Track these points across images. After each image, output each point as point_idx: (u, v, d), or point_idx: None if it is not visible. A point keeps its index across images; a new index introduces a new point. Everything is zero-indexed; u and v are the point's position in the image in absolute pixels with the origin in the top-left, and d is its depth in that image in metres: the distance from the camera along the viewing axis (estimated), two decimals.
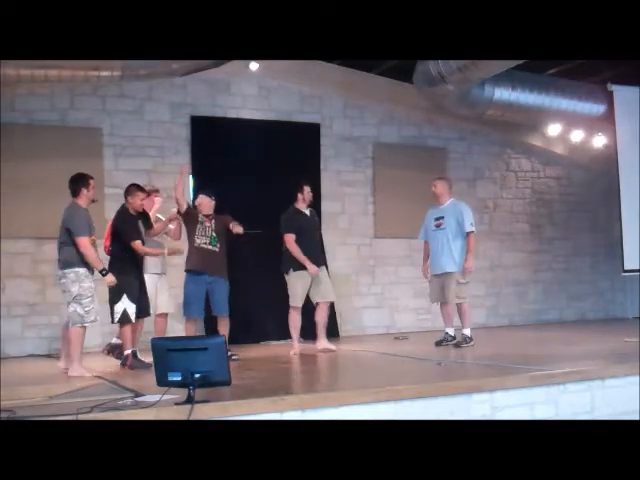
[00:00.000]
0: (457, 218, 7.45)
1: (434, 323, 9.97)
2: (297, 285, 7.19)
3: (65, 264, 5.89)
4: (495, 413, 4.77)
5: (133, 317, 6.24)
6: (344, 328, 9.55)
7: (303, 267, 7.16)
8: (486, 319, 10.52)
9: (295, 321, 7.28)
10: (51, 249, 8.29)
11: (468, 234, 7.43)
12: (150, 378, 4.28)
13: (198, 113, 9.05)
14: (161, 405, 3.96)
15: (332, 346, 7.41)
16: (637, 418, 5.04)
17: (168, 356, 4.05)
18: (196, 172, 8.80)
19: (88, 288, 5.88)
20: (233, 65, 8.48)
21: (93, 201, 6.17)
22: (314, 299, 7.31)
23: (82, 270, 5.88)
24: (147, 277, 6.69)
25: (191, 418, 3.81)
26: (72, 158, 8.31)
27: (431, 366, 5.89)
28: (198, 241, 6.78)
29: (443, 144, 10.61)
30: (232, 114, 9.24)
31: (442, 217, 7.54)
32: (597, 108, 9.79)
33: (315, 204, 9.56)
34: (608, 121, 9.81)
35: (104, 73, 7.75)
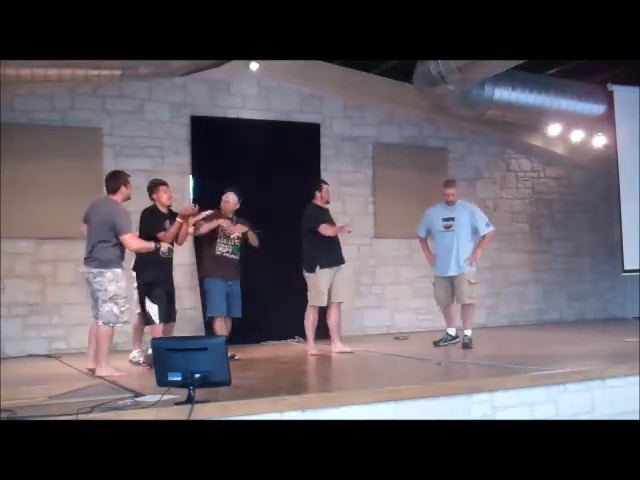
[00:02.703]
0: (470, 220, 7.39)
1: (434, 323, 9.96)
2: (322, 283, 7.03)
3: (104, 263, 5.73)
4: (495, 413, 4.77)
5: (157, 319, 6.19)
6: (344, 328, 9.52)
7: (330, 264, 7.06)
8: (486, 319, 10.52)
9: (314, 321, 7.16)
10: (51, 249, 8.34)
11: (486, 234, 7.43)
12: (150, 378, 4.28)
13: (198, 113, 9.05)
14: (161, 405, 3.96)
15: (348, 348, 7.25)
16: (637, 418, 5.05)
17: (168, 356, 4.06)
18: (196, 172, 8.81)
19: (124, 288, 5.81)
20: (233, 65, 8.48)
21: (127, 199, 6.07)
22: (330, 299, 7.18)
23: (119, 270, 5.79)
24: None
25: (191, 418, 3.82)
26: (72, 158, 8.32)
27: (431, 366, 5.90)
28: (221, 249, 6.74)
29: (443, 144, 10.60)
30: (232, 114, 9.23)
31: (452, 218, 7.43)
32: (597, 108, 9.79)
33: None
34: (608, 121, 9.81)
35: (104, 73, 7.75)
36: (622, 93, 9.61)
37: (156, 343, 4.24)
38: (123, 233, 5.75)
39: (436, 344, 7.50)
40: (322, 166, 9.67)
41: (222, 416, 4.00)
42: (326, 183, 7.43)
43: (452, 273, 7.36)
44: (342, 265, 7.26)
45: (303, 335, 8.76)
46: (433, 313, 9.93)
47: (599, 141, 10.55)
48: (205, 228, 6.66)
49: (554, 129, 10.25)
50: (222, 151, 8.86)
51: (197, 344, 4.17)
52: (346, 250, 9.58)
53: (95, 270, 5.74)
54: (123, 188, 5.94)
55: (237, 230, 6.74)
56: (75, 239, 8.36)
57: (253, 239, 6.87)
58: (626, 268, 9.63)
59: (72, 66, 7.54)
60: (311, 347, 7.14)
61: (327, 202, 7.32)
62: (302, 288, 7.97)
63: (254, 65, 8.97)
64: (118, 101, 8.69)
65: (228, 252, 6.72)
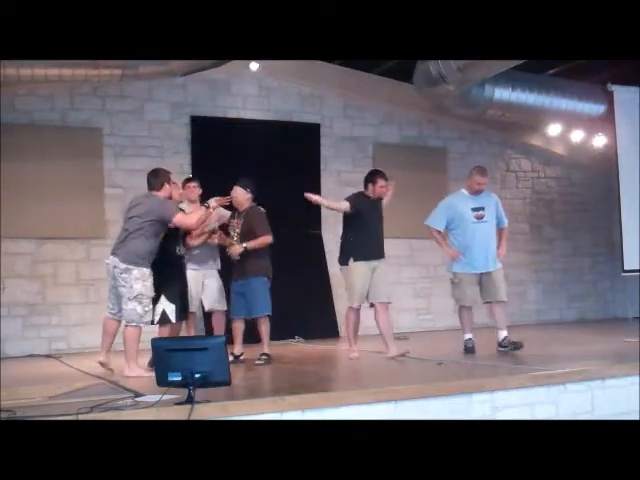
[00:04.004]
0: (496, 210, 6.87)
1: (434, 323, 9.99)
2: (357, 278, 6.35)
3: (132, 260, 5.62)
4: (495, 413, 4.77)
5: (173, 317, 6.11)
6: (344, 328, 9.53)
7: (365, 257, 6.37)
8: (486, 319, 10.50)
9: (354, 323, 6.57)
10: (51, 249, 8.34)
11: (505, 227, 7.01)
12: (150, 378, 4.27)
13: (198, 113, 9.05)
14: (161, 405, 3.96)
15: (400, 352, 6.45)
16: (637, 418, 5.05)
17: (168, 356, 4.06)
18: (196, 172, 8.80)
19: (150, 288, 5.71)
20: (233, 65, 8.48)
21: (170, 197, 6.04)
22: (368, 299, 6.53)
23: (147, 270, 5.68)
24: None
25: (191, 418, 3.81)
26: (72, 158, 8.33)
27: (431, 366, 5.89)
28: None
29: (443, 144, 10.61)
30: (232, 114, 9.24)
31: (482, 208, 6.75)
32: (597, 108, 9.79)
33: (315, 204, 9.60)
34: (608, 121, 9.82)
35: (104, 72, 7.75)
36: (622, 93, 9.62)
37: (156, 343, 4.23)
38: (173, 217, 5.74)
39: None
40: (322, 166, 9.68)
41: (222, 416, 4.00)
42: (383, 178, 6.64)
43: (490, 269, 6.72)
44: (382, 260, 6.58)
45: (304, 335, 8.79)
46: (433, 313, 9.96)
47: (599, 141, 10.55)
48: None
49: (554, 129, 10.25)
50: (222, 151, 8.87)
51: (197, 344, 4.17)
52: None
53: (122, 265, 5.62)
54: (167, 185, 5.91)
55: (235, 252, 6.42)
56: (75, 239, 8.44)
57: (259, 244, 6.44)
58: (626, 268, 9.64)
59: (72, 66, 7.55)
60: (352, 350, 6.56)
61: (380, 198, 6.69)
62: (302, 288, 7.99)
63: (254, 65, 8.98)
64: (118, 101, 8.70)
65: (228, 254, 6.56)
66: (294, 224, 9.12)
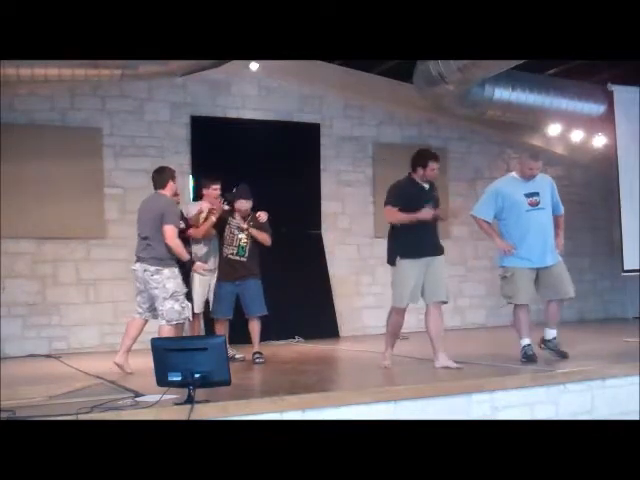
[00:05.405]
0: (551, 195, 6.05)
1: None
2: (404, 278, 5.59)
3: (159, 261, 5.74)
4: (495, 413, 4.78)
5: (190, 315, 6.18)
6: (344, 328, 9.55)
7: (413, 254, 5.59)
8: (486, 319, 10.52)
9: (395, 325, 5.86)
10: (51, 249, 8.34)
11: (562, 215, 6.15)
12: (150, 378, 4.28)
13: (198, 113, 9.05)
14: (161, 405, 3.97)
15: (452, 363, 5.61)
16: (637, 418, 5.05)
17: (168, 356, 4.06)
18: (196, 172, 8.80)
19: (182, 284, 5.87)
20: (233, 65, 8.48)
21: (176, 194, 6.19)
22: (424, 299, 5.78)
23: (176, 268, 5.82)
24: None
25: (191, 418, 3.82)
26: (72, 158, 8.33)
27: (431, 366, 5.89)
28: (226, 251, 6.61)
29: (443, 144, 10.59)
30: (232, 114, 9.24)
31: (537, 193, 5.93)
32: (597, 108, 9.79)
33: (315, 204, 9.61)
34: (608, 121, 9.81)
35: (104, 72, 7.75)
36: (622, 93, 9.61)
37: (156, 343, 4.24)
38: (167, 223, 5.78)
39: (531, 359, 5.85)
40: (322, 166, 9.68)
41: (222, 416, 4.00)
42: (435, 160, 5.72)
43: (549, 263, 5.92)
44: (438, 257, 5.75)
45: (304, 335, 8.79)
46: None
47: (599, 141, 10.54)
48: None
49: (554, 129, 10.24)
50: (222, 151, 8.87)
51: (197, 344, 4.18)
52: (346, 250, 9.67)
53: (152, 268, 5.74)
54: (171, 182, 6.02)
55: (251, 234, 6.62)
56: (75, 239, 8.43)
57: (263, 239, 6.70)
58: (626, 268, 9.63)
59: (72, 66, 7.54)
60: (385, 357, 5.88)
61: (432, 180, 5.80)
62: (302, 288, 7.98)
63: (254, 65, 8.97)
64: (118, 101, 8.69)
65: (232, 254, 6.58)
66: (294, 224, 9.13)
